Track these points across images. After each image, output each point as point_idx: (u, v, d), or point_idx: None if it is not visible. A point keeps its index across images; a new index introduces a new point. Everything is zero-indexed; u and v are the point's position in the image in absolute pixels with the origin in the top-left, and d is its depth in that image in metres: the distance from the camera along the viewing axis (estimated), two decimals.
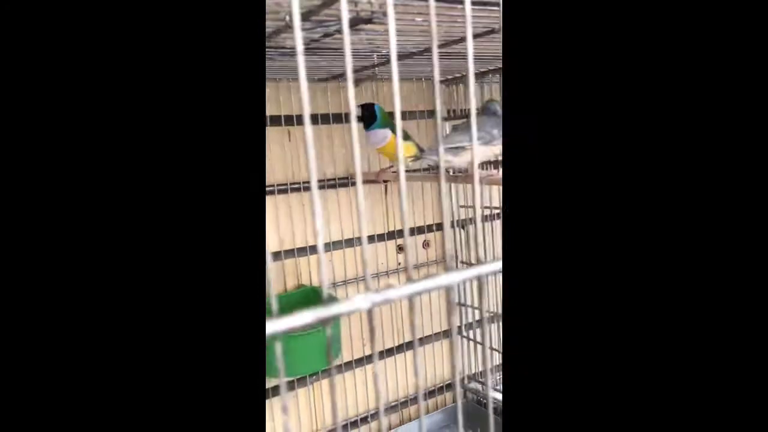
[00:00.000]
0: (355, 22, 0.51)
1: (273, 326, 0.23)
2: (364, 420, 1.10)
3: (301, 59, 0.22)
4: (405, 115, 1.09)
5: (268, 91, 0.93)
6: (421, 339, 1.17)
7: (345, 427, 1.08)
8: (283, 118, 0.94)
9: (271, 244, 0.96)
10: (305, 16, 0.45)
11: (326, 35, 0.58)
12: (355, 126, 0.24)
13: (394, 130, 0.92)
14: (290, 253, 0.97)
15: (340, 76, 0.94)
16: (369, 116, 0.90)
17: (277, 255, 0.96)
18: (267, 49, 0.64)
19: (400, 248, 1.13)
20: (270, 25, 0.48)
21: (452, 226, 1.16)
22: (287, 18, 0.45)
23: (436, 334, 1.19)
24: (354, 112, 0.24)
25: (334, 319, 0.79)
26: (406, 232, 0.27)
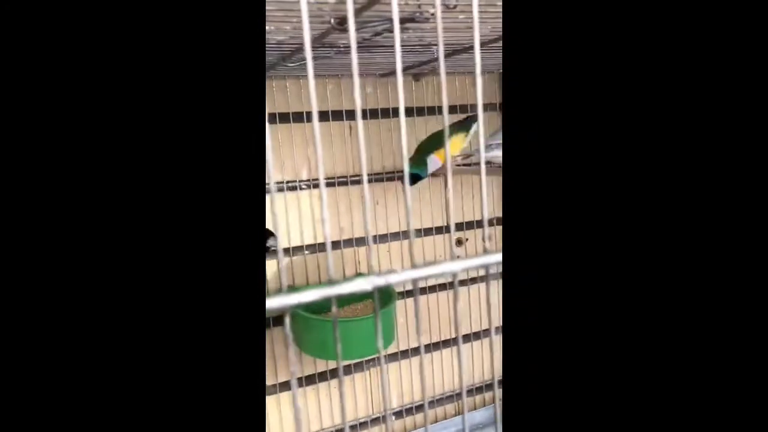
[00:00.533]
0: (400, 22, 0.53)
1: (282, 301, 0.26)
2: (419, 408, 1.13)
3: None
4: (467, 109, 1.09)
5: (330, 86, 0.97)
6: (476, 333, 1.18)
7: (393, 415, 1.11)
8: (344, 113, 0.98)
9: (332, 234, 1.00)
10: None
11: (376, 34, 0.60)
12: (360, 124, 0.26)
13: (436, 147, 0.93)
14: (349, 242, 1.01)
15: (403, 71, 0.96)
16: (413, 176, 0.92)
17: (336, 244, 1.00)
18: (323, 49, 0.67)
19: (459, 241, 1.14)
20: (319, 27, 0.52)
21: None
22: (332, 21, 0.48)
23: (486, 330, 1.19)
24: (360, 107, 0.27)
25: (388, 306, 0.81)
26: (411, 232, 0.29)
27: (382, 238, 1.04)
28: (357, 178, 1.00)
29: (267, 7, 0.46)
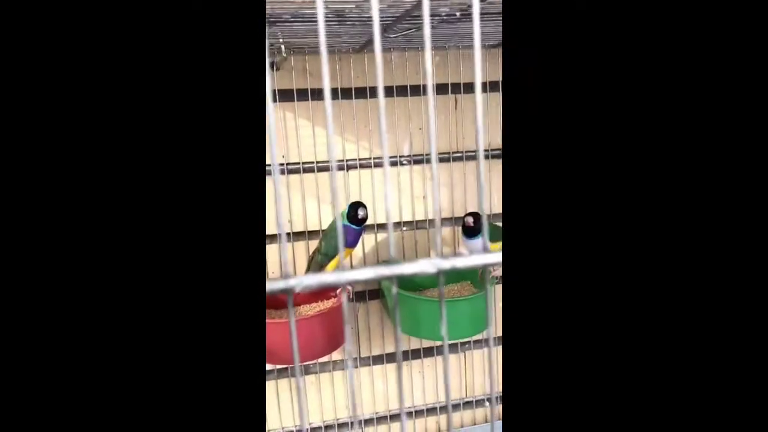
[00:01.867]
0: None
1: (339, 276, 0.25)
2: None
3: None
4: None
5: (437, 58, 0.94)
6: None
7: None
8: (450, 86, 0.94)
9: (432, 212, 0.98)
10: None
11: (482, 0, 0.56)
12: (432, 96, 0.24)
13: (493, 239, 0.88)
14: (448, 221, 0.99)
15: None
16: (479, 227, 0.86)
17: (432, 222, 0.98)
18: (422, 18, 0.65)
19: None
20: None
21: None
22: None
23: None
24: (431, 81, 0.24)
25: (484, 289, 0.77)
26: (484, 217, 0.26)
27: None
28: (459, 154, 0.97)
29: None
